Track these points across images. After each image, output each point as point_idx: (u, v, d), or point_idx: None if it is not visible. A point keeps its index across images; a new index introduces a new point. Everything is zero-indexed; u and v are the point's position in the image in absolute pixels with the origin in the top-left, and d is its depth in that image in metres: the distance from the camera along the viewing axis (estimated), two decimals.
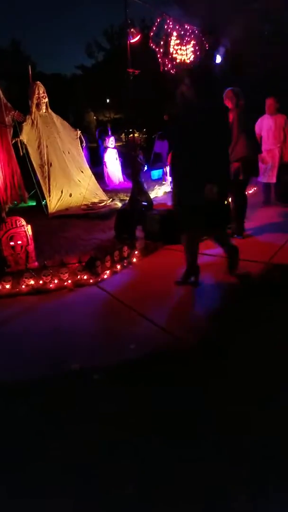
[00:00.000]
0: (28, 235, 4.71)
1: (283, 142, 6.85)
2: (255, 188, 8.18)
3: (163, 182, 8.32)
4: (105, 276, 4.53)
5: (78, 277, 4.40)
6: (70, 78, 31.12)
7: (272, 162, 6.90)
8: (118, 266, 4.74)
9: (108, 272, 4.59)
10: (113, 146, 9.28)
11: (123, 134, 22.47)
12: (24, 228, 4.71)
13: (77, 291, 4.26)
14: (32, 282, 4.28)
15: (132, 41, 4.84)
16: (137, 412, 2.41)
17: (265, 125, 6.85)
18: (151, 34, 5.53)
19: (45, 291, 4.24)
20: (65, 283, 4.32)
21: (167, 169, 8.48)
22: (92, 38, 24.60)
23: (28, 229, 4.73)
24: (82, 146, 8.13)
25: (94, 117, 30.26)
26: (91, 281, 4.40)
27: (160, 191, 7.92)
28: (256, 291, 4.02)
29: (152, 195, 7.68)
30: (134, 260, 4.98)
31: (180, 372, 2.75)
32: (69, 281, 4.34)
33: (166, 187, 8.17)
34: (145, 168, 5.92)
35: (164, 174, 8.59)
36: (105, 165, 9.49)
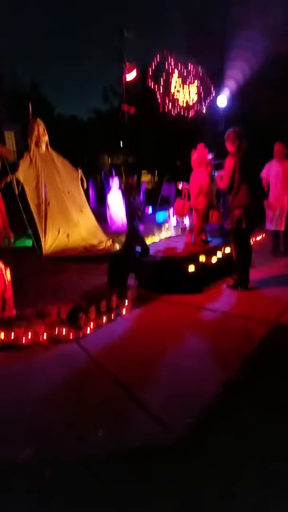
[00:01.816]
0: (6, 280, 4.24)
1: None
2: (264, 235, 7.71)
3: (166, 226, 7.92)
4: (88, 331, 4.00)
5: (56, 331, 3.88)
6: (87, 121, 32.10)
7: (280, 209, 6.47)
8: (104, 319, 4.21)
9: (92, 325, 4.06)
10: (117, 187, 9.03)
11: (135, 176, 22.58)
12: (2, 271, 4.26)
13: (53, 348, 3.70)
14: (2, 336, 3.76)
15: (127, 77, 4.59)
16: None
17: (272, 171, 6.49)
18: (150, 71, 5.29)
19: (16, 347, 3.70)
20: (40, 338, 3.79)
21: (171, 211, 8.09)
22: (107, 84, 25.36)
23: (7, 273, 4.28)
24: (83, 187, 7.83)
25: (109, 161, 30.81)
26: (71, 336, 3.87)
27: (162, 235, 7.50)
28: (262, 360, 3.42)
29: (154, 239, 7.26)
30: (124, 311, 4.45)
31: (158, 484, 2.13)
32: (45, 336, 3.81)
33: (168, 231, 7.75)
34: (140, 213, 5.50)
35: (168, 217, 8.20)
36: (108, 207, 9.19)
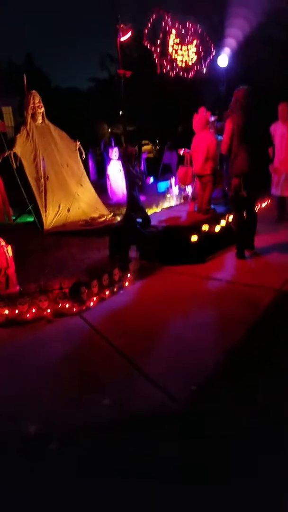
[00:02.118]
0: (7, 256, 4.21)
1: None
2: (269, 201, 7.54)
3: (168, 195, 7.76)
4: (91, 304, 3.99)
5: (59, 305, 3.87)
6: (86, 91, 31.17)
7: (286, 173, 6.25)
8: (107, 292, 4.18)
9: (94, 299, 4.04)
10: (116, 158, 8.81)
11: (136, 146, 22.03)
12: (3, 249, 4.22)
13: (57, 322, 3.72)
14: (6, 311, 3.76)
15: (122, 38, 4.35)
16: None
17: (277, 133, 6.21)
18: (146, 31, 4.99)
19: (20, 322, 3.71)
20: (44, 313, 3.78)
21: (173, 180, 7.90)
22: (104, 51, 24.38)
23: (8, 250, 4.24)
24: (82, 158, 7.64)
25: (109, 130, 30.11)
26: (74, 310, 3.86)
27: (164, 205, 7.36)
28: (267, 327, 3.38)
29: (156, 210, 7.13)
30: (126, 284, 4.42)
31: (162, 449, 2.14)
32: (49, 310, 3.80)
33: (171, 200, 7.59)
34: (140, 182, 5.36)
35: (170, 186, 8.02)
36: (108, 178, 9.01)
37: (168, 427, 2.32)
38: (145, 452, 2.12)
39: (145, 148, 22.66)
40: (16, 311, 3.76)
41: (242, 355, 3.01)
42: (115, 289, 4.27)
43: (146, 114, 17.04)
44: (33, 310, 3.79)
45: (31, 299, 3.85)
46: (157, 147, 22.16)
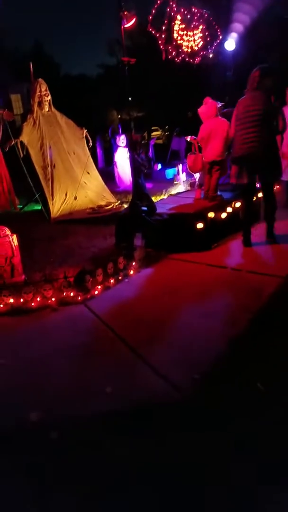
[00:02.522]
0: (13, 245, 4.25)
1: None
2: (277, 187, 7.41)
3: (175, 182, 7.69)
4: (96, 293, 4.01)
5: (64, 294, 3.90)
6: (95, 78, 30.82)
7: None
8: (112, 281, 4.20)
9: (99, 287, 4.06)
10: (124, 145, 8.74)
11: (145, 132, 21.85)
12: (9, 238, 4.25)
13: (61, 311, 3.75)
14: (11, 300, 3.81)
15: (126, 25, 4.27)
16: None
17: (286, 117, 6.06)
18: (150, 17, 4.89)
19: (25, 311, 3.76)
20: (49, 301, 3.82)
21: (180, 167, 7.82)
22: (114, 37, 23.96)
23: (14, 239, 4.27)
24: (89, 146, 7.61)
25: (119, 116, 29.84)
26: (79, 298, 3.89)
27: (172, 192, 7.31)
28: (271, 315, 3.36)
29: (162, 196, 7.09)
30: (132, 272, 4.43)
31: (163, 440, 2.16)
32: (53, 299, 3.84)
33: (180, 187, 7.53)
34: (145, 170, 5.31)
35: (177, 173, 7.94)
36: (116, 165, 8.97)
37: (170, 415, 2.32)
38: (146, 442, 2.14)
39: (154, 134, 22.43)
40: (21, 300, 3.81)
41: (246, 344, 3.00)
42: (120, 278, 4.28)
43: (155, 100, 16.81)
44: (38, 299, 3.83)
45: (36, 288, 3.89)
46: (166, 133, 21.93)
